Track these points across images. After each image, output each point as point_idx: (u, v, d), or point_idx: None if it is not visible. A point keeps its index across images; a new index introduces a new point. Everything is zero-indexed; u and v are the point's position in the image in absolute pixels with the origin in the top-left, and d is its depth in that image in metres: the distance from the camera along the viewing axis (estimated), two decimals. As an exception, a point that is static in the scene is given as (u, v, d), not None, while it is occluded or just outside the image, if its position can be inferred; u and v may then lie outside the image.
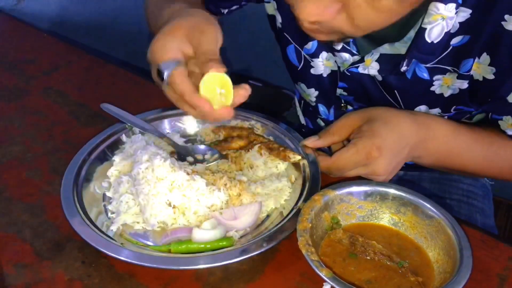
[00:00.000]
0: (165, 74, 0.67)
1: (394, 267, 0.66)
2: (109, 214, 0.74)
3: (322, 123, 1.06)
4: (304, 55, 0.95)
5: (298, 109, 1.19)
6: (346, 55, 0.86)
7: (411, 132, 0.79)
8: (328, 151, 0.84)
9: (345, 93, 0.94)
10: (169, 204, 0.72)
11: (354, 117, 0.80)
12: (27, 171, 0.85)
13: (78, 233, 0.67)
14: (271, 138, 0.89)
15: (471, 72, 0.77)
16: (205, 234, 0.69)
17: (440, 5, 0.71)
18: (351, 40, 0.84)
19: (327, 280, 0.59)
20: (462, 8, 0.72)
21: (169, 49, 0.69)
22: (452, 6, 0.71)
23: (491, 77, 0.75)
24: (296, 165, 0.82)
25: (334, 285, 0.59)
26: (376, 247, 0.67)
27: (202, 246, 0.68)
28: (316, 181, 0.77)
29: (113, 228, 0.71)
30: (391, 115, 0.79)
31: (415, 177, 1.09)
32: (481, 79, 0.77)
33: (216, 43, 0.71)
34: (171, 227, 0.72)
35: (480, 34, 0.73)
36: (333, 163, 0.77)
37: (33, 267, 0.68)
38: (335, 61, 0.91)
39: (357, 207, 0.73)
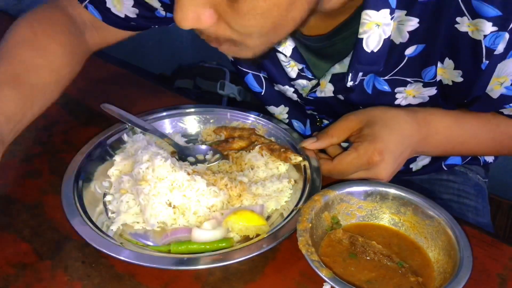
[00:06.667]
0: None
1: (394, 267, 0.66)
2: (110, 214, 0.74)
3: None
4: (263, 77, 0.95)
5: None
6: (303, 82, 0.86)
7: (412, 131, 0.79)
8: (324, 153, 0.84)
9: (315, 113, 0.94)
10: (169, 204, 0.72)
11: (352, 119, 0.80)
12: (27, 171, 0.85)
13: (78, 233, 0.67)
14: (272, 139, 0.89)
15: (439, 77, 0.76)
16: (205, 235, 0.69)
17: (372, 12, 0.69)
18: (304, 66, 0.83)
19: (327, 280, 0.59)
20: (408, 18, 0.71)
21: None
22: (385, 12, 0.69)
23: (460, 79, 0.74)
24: (297, 166, 0.82)
25: (334, 285, 0.59)
26: (376, 247, 0.67)
27: (202, 246, 0.68)
28: (317, 183, 0.77)
29: (113, 228, 0.71)
30: (391, 116, 0.78)
31: (405, 177, 1.09)
32: (450, 83, 0.76)
33: None
34: (171, 227, 0.72)
35: (435, 41, 0.72)
36: (334, 167, 0.77)
37: (33, 267, 0.68)
38: (295, 90, 0.91)
39: (357, 207, 0.73)
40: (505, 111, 0.81)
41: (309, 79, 0.85)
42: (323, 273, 0.60)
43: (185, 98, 1.07)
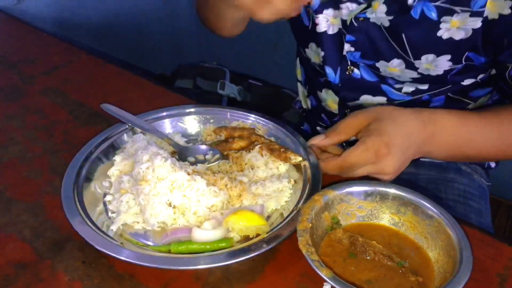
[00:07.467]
0: None
1: (394, 267, 0.66)
2: (110, 214, 0.74)
3: (326, 97, 1.06)
4: (310, 13, 0.96)
5: (300, 91, 1.18)
6: (353, 5, 0.87)
7: (418, 130, 0.79)
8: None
9: (352, 49, 0.94)
10: (169, 204, 0.72)
11: (360, 116, 0.80)
12: (27, 171, 0.85)
13: (79, 232, 0.67)
14: (272, 138, 0.89)
15: (486, 12, 0.77)
16: (205, 234, 0.69)
17: None
18: None
19: (327, 280, 0.59)
20: None
21: None
22: None
23: (508, 11, 0.75)
24: (297, 166, 0.82)
25: (334, 285, 0.59)
26: (376, 247, 0.67)
27: (202, 246, 0.68)
28: (317, 183, 0.77)
29: (113, 228, 0.71)
30: (398, 114, 0.79)
31: (411, 176, 1.09)
32: (496, 17, 0.76)
33: None
34: (171, 227, 0.72)
35: None
36: (342, 162, 0.77)
37: (33, 267, 0.68)
38: (341, 18, 0.91)
39: (357, 207, 0.73)
40: None
41: (359, 3, 0.86)
42: (323, 273, 0.60)
43: (185, 98, 1.07)
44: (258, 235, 0.70)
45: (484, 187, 1.12)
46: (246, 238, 0.70)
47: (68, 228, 0.68)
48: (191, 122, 0.94)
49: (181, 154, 0.85)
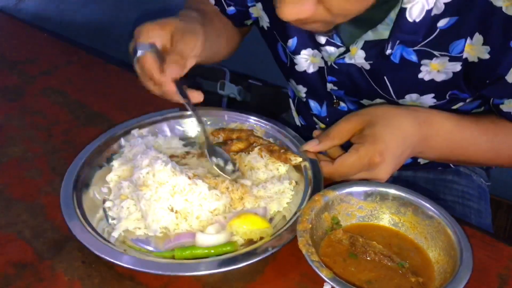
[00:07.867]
0: (138, 52, 0.77)
1: (395, 268, 0.66)
2: (110, 220, 0.74)
3: (317, 120, 1.06)
4: (288, 52, 0.95)
5: (292, 107, 1.19)
6: (331, 49, 0.86)
7: (413, 131, 0.79)
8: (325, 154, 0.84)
9: (335, 88, 0.93)
10: (171, 209, 0.71)
11: (354, 120, 0.79)
12: (27, 171, 0.85)
13: (81, 241, 0.66)
14: (271, 140, 0.88)
15: (465, 55, 0.76)
16: (209, 239, 0.69)
17: None
18: (334, 32, 0.84)
19: (328, 280, 0.59)
20: None
21: (152, 35, 0.79)
22: None
23: (487, 56, 0.74)
24: (297, 167, 0.82)
25: (334, 285, 0.59)
26: (377, 247, 0.67)
27: (207, 251, 0.67)
28: (318, 184, 0.76)
29: (115, 234, 0.70)
30: (393, 116, 0.78)
31: (409, 178, 1.09)
32: (476, 60, 0.76)
33: (191, 48, 0.81)
34: (174, 232, 0.71)
35: (468, 14, 0.72)
36: (335, 170, 0.77)
37: (33, 267, 0.68)
38: (322, 57, 0.91)
39: (357, 207, 0.73)
40: (505, 107, 0.81)
41: (337, 46, 0.86)
42: (323, 274, 0.60)
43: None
44: (262, 238, 0.69)
45: (484, 187, 1.12)
46: (250, 241, 0.70)
47: (68, 228, 0.68)
48: (189, 125, 0.93)
49: (210, 152, 0.82)
